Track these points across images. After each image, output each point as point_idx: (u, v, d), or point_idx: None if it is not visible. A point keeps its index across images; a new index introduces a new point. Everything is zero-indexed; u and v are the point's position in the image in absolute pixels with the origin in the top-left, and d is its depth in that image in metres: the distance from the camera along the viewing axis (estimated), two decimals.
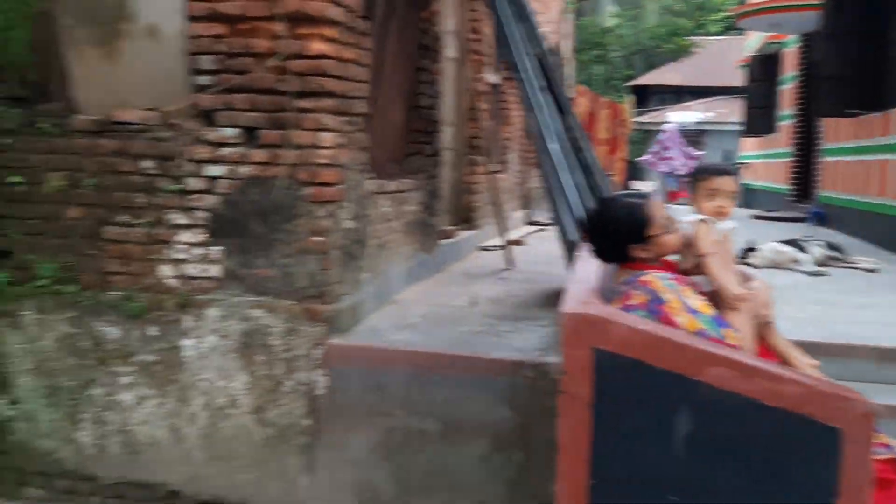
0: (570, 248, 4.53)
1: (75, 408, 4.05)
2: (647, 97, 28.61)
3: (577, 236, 4.50)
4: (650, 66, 30.21)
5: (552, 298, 5.01)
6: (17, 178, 4.05)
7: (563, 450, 2.46)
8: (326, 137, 3.79)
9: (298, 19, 3.73)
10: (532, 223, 10.05)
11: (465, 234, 6.81)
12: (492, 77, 8.21)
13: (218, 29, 3.82)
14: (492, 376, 3.69)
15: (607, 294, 2.82)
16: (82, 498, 4.07)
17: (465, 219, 7.17)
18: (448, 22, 6.41)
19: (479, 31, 7.21)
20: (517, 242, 7.10)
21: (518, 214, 9.39)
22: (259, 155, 3.83)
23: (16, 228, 4.08)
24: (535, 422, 3.64)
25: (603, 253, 2.82)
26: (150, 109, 3.97)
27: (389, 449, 3.75)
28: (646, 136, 24.19)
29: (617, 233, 2.71)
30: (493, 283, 5.55)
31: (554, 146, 4.62)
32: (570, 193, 4.55)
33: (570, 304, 2.49)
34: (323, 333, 3.80)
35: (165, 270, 3.96)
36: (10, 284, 4.09)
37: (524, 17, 4.93)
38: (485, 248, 7.15)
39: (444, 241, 6.04)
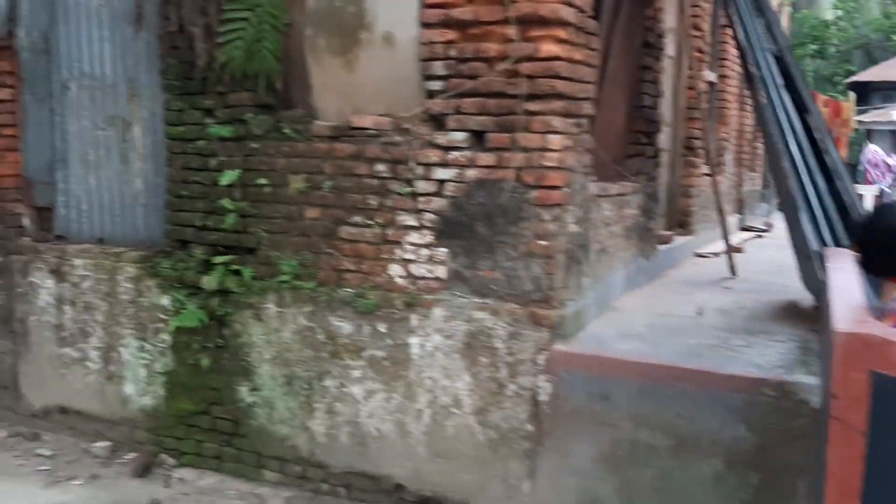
0: (809, 259, 4.19)
1: (309, 397, 4.28)
2: (869, 94, 26.21)
3: (819, 246, 4.16)
4: (872, 60, 27.67)
5: (786, 312, 4.68)
6: (263, 181, 4.34)
7: (832, 479, 2.25)
8: (554, 140, 3.74)
9: (530, 21, 3.71)
10: (746, 229, 9.51)
11: (680, 240, 6.54)
12: (709, 75, 7.84)
13: (450, 34, 3.87)
14: (728, 393, 3.47)
15: (871, 311, 2.56)
16: (313, 484, 4.29)
17: (680, 223, 6.89)
18: (668, 18, 6.18)
19: (698, 27, 6.90)
20: (737, 249, 6.71)
21: (732, 219, 8.90)
22: (487, 158, 3.85)
23: (261, 227, 4.37)
24: (776, 444, 3.40)
25: (875, 265, 2.56)
26: (383, 115, 4.11)
27: (615, 461, 3.64)
28: (867, 137, 22.16)
29: None
30: (717, 292, 5.27)
31: (794, 148, 4.30)
32: (811, 199, 4.21)
33: (843, 323, 2.27)
34: (547, 339, 3.76)
35: (395, 270, 4.08)
36: (254, 279, 4.39)
37: (762, 11, 4.62)
38: (701, 255, 6.83)
39: (660, 247, 5.82)
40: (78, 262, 4.87)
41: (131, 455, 4.69)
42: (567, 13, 3.73)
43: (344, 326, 4.17)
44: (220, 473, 4.49)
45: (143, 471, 4.50)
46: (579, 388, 3.71)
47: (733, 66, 8.54)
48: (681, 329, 4.22)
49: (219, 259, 4.45)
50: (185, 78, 4.51)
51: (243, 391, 4.44)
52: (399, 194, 4.03)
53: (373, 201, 4.10)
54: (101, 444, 4.76)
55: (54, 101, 5.05)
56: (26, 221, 5.16)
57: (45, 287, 4.98)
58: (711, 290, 5.35)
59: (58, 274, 4.94)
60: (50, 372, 5.03)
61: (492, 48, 3.79)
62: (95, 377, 4.89)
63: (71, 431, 4.97)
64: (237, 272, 4.43)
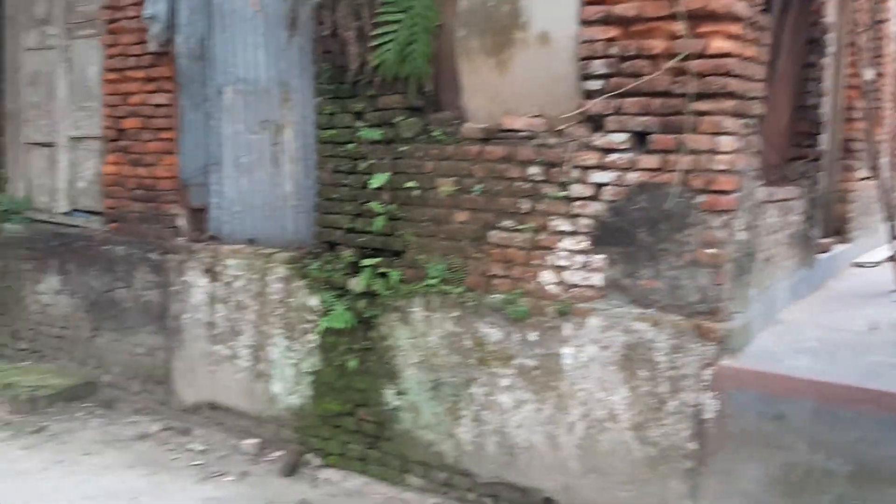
0: None
1: (456, 404, 4.21)
2: None
3: None
4: None
5: None
6: (412, 183, 4.31)
7: None
8: (725, 141, 3.52)
9: (700, 17, 3.50)
10: None
11: (839, 248, 6.11)
12: (868, 73, 7.32)
13: (611, 32, 3.72)
14: None
15: None
16: (459, 492, 4.21)
17: (837, 230, 6.44)
18: (830, 13, 5.78)
19: (859, 22, 6.43)
20: None
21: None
22: (649, 160, 3.67)
23: (409, 230, 4.34)
24: None
25: None
26: (536, 116, 4.00)
27: (788, 485, 3.39)
28: None
29: None
30: (887, 305, 4.86)
31: None
32: None
33: None
34: (714, 353, 3.54)
35: (547, 276, 3.95)
36: (401, 282, 4.36)
37: None
38: (860, 265, 6.37)
39: (819, 255, 5.45)
40: (230, 262, 5.00)
41: (278, 453, 4.76)
42: (740, 7, 3.51)
43: (492, 333, 4.08)
44: (364, 476, 4.49)
45: (291, 470, 4.55)
46: (749, 406, 3.48)
47: (891, 64, 7.97)
48: (856, 345, 3.90)
49: (367, 261, 4.45)
50: (336, 81, 4.54)
51: (389, 394, 4.43)
52: (553, 198, 3.91)
53: (524, 205, 3.99)
54: (250, 442, 4.85)
55: (209, 106, 5.21)
56: (181, 222, 5.34)
57: (199, 286, 5.14)
58: (880, 302, 4.96)
59: (211, 273, 5.08)
60: (201, 368, 5.18)
61: (657, 45, 3.61)
62: (244, 375, 4.99)
63: (220, 427, 5.10)
64: (384, 275, 4.42)
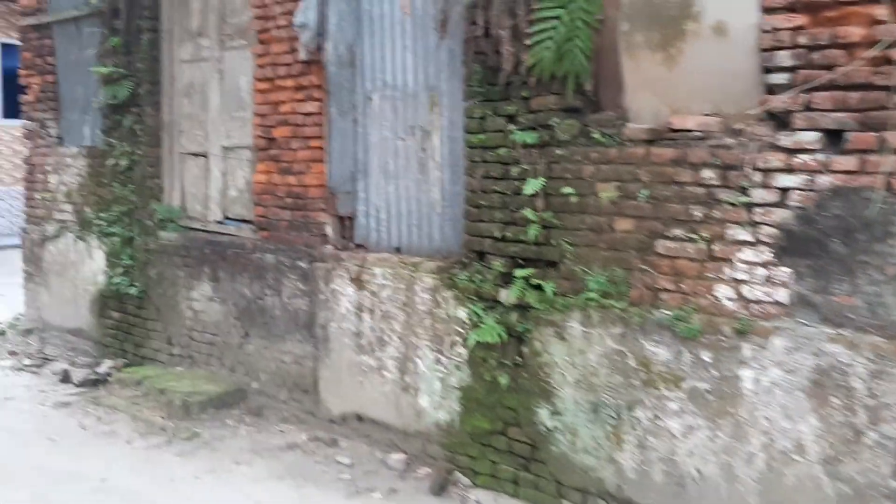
0: None
1: (617, 428, 3.91)
2: None
3: None
4: None
5: None
6: (569, 189, 4.05)
7: None
8: None
9: None
10: None
11: None
12: None
13: (799, 19, 3.35)
14: None
15: None
16: None
17: None
18: None
19: None
20: None
21: None
22: (845, 162, 3.26)
23: (565, 239, 4.08)
24: None
25: None
26: (710, 115, 3.66)
27: None
28: None
29: None
30: None
31: None
32: None
33: None
34: None
35: (723, 291, 3.59)
36: (556, 295, 4.11)
37: None
38: None
39: None
40: (377, 270, 4.90)
41: (424, 470, 4.60)
42: None
43: (659, 352, 3.76)
44: (516, 499, 4.25)
45: (440, 489, 4.38)
46: None
47: None
48: None
49: (519, 272, 4.23)
50: (487, 84, 4.35)
51: (543, 414, 4.18)
52: (730, 204, 3.55)
53: (697, 212, 3.65)
54: (397, 457, 4.71)
55: (357, 113, 5.14)
56: (329, 230, 5.30)
57: (346, 294, 5.07)
58: None
59: (358, 282, 5.00)
60: (348, 379, 5.11)
61: (854, 33, 3.21)
62: (391, 387, 4.87)
63: (366, 440, 4.99)
64: (538, 287, 4.18)
